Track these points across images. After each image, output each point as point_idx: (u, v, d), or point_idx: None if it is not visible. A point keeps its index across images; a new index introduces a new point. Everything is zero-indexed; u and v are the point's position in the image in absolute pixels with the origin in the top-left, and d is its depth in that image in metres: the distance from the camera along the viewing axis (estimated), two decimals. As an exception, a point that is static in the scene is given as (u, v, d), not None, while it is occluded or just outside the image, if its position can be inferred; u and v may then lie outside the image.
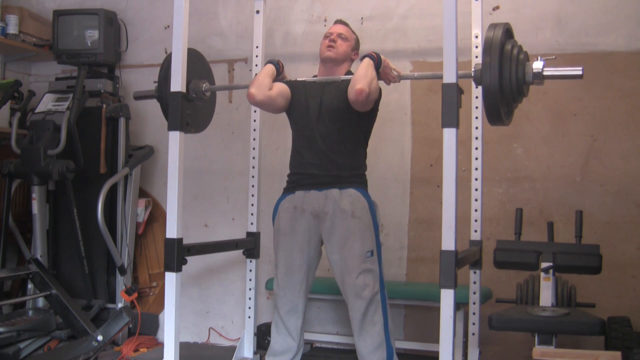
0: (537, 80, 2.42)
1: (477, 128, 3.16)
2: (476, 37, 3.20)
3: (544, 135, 3.47)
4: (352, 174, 2.89)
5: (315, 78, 3.01)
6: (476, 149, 3.16)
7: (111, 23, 4.08)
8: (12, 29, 4.07)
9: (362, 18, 3.83)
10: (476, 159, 3.16)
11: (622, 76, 3.36)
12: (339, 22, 3.07)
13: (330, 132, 2.88)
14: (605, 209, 3.34)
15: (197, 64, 3.15)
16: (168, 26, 4.13)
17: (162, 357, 2.68)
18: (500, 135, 3.52)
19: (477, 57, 3.15)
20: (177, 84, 2.72)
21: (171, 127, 2.73)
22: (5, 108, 3.97)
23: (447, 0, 2.35)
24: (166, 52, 4.15)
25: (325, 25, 3.89)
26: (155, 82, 3.06)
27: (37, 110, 3.84)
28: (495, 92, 2.35)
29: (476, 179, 3.15)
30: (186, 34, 2.72)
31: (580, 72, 2.42)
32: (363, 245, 2.79)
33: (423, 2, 3.71)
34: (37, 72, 4.53)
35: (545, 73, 2.42)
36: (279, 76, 3.00)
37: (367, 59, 2.78)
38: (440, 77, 2.37)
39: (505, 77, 2.36)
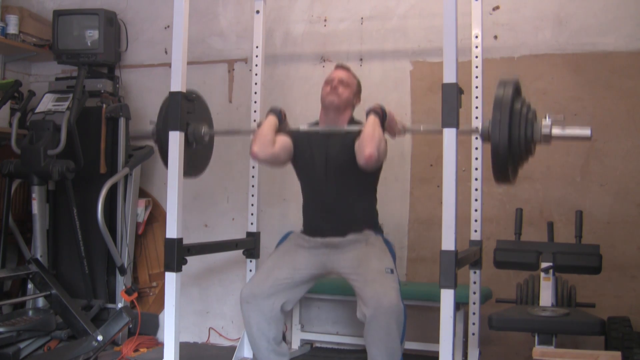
0: (545, 139, 2.40)
1: (477, 128, 3.16)
2: (476, 37, 3.21)
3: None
4: (365, 220, 2.92)
5: (317, 127, 2.97)
6: (476, 149, 3.17)
7: (111, 23, 4.08)
8: (12, 29, 4.06)
9: (362, 18, 3.83)
10: (476, 159, 3.16)
11: (622, 76, 3.36)
12: (339, 67, 3.02)
13: (339, 186, 2.88)
14: (605, 209, 3.34)
15: (197, 106, 3.09)
16: (168, 26, 4.13)
17: (162, 357, 2.68)
18: (500, 135, 3.52)
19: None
20: (177, 84, 2.72)
21: (171, 127, 2.73)
22: (5, 108, 3.97)
23: (447, 0, 2.35)
24: (166, 52, 4.16)
25: (325, 26, 3.90)
26: (151, 122, 3.02)
27: (37, 110, 3.84)
28: (505, 149, 2.33)
29: (476, 179, 3.16)
30: (186, 34, 2.72)
31: (588, 134, 2.43)
32: (381, 262, 2.76)
33: (423, 2, 3.71)
34: (37, 72, 4.53)
35: (554, 133, 2.40)
36: (281, 125, 2.93)
37: (372, 117, 2.72)
38: (440, 132, 2.34)
39: (514, 135, 2.35)
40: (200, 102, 3.18)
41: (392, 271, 2.75)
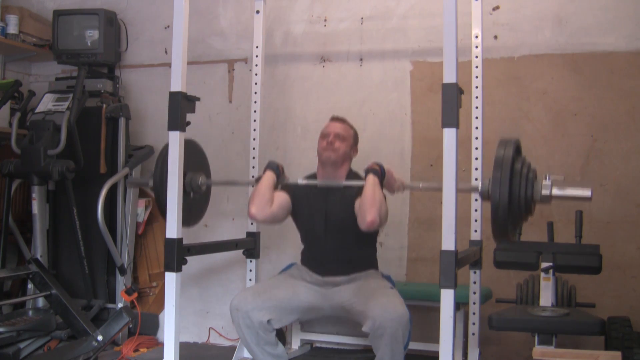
0: (545, 199, 2.41)
1: (477, 128, 3.16)
2: (476, 37, 3.21)
3: (544, 135, 3.47)
4: (366, 265, 2.95)
5: (315, 181, 2.96)
6: (476, 149, 3.17)
7: (111, 23, 4.08)
8: (12, 29, 4.06)
9: (362, 18, 3.83)
10: (476, 159, 3.16)
11: (622, 76, 3.36)
12: (335, 119, 3.00)
13: (339, 242, 2.91)
14: (605, 209, 3.34)
15: (194, 155, 3.10)
16: (168, 26, 4.13)
17: (162, 357, 2.68)
18: (500, 135, 3.50)
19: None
20: (177, 84, 2.72)
21: (171, 127, 2.73)
22: (5, 108, 3.97)
23: (447, 0, 2.35)
24: (166, 52, 4.16)
25: (325, 26, 3.89)
26: (150, 172, 3.03)
27: (37, 110, 3.84)
28: (505, 208, 2.33)
29: (476, 179, 3.16)
30: (186, 34, 2.72)
31: (589, 195, 2.43)
32: (379, 283, 2.82)
33: (423, 2, 3.71)
34: (37, 72, 4.52)
35: (554, 193, 2.41)
36: (279, 179, 2.93)
37: (372, 178, 2.70)
38: (440, 190, 2.35)
39: (514, 194, 2.35)
40: (197, 150, 3.20)
41: (392, 288, 2.82)
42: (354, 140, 3.00)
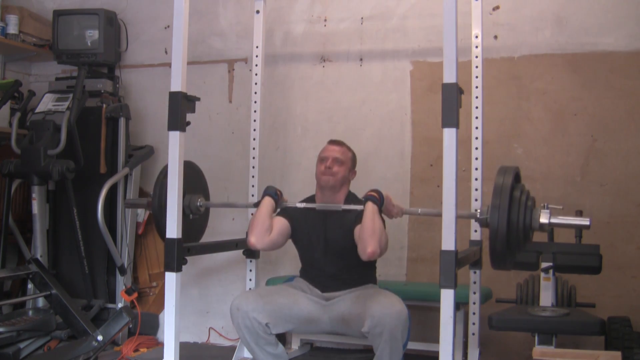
0: (543, 227, 2.41)
1: (477, 128, 3.16)
2: (476, 37, 3.21)
3: (544, 135, 3.47)
4: (365, 281, 2.96)
5: (314, 205, 2.96)
6: (476, 149, 3.17)
7: (111, 23, 4.08)
8: (12, 29, 4.06)
9: (362, 18, 3.83)
10: (476, 159, 3.16)
11: (622, 76, 3.36)
12: (332, 143, 2.99)
13: (338, 265, 2.91)
14: (605, 209, 3.34)
15: (193, 176, 3.10)
16: (168, 26, 4.13)
17: (162, 357, 2.67)
18: (500, 135, 3.53)
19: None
20: (177, 84, 2.72)
21: (171, 127, 2.72)
22: (5, 108, 3.97)
23: (447, 0, 2.35)
24: (166, 52, 4.16)
25: (325, 26, 3.89)
26: (148, 197, 3.03)
27: (37, 110, 3.84)
28: (503, 235, 2.33)
29: (476, 179, 3.15)
30: (186, 34, 2.72)
31: (587, 223, 2.44)
32: (377, 290, 2.84)
33: (423, 2, 3.71)
34: (37, 72, 4.53)
35: (552, 221, 2.41)
36: (277, 204, 2.92)
37: (370, 206, 2.70)
38: (439, 215, 2.35)
39: (513, 221, 2.35)
40: (196, 171, 3.21)
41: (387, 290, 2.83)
42: (352, 163, 2.99)
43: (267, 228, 2.84)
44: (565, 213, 2.50)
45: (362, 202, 2.76)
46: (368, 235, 2.63)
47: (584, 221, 2.45)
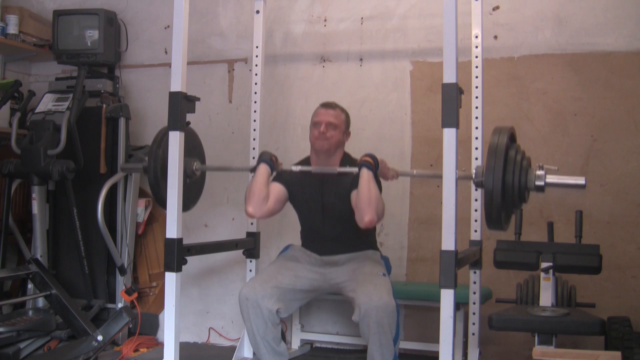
0: (539, 187, 2.40)
1: (477, 128, 3.16)
2: (476, 37, 3.21)
3: (544, 135, 3.47)
4: (364, 245, 2.98)
5: (309, 167, 2.96)
6: (476, 149, 3.16)
7: (111, 23, 4.07)
8: (12, 29, 4.06)
9: (362, 18, 3.83)
10: (476, 158, 3.16)
11: (622, 76, 3.36)
12: (325, 106, 2.97)
13: (337, 229, 2.93)
14: (605, 209, 3.34)
15: (188, 140, 3.06)
16: (168, 26, 4.13)
17: (162, 357, 2.68)
18: (500, 135, 3.52)
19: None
20: (177, 84, 2.72)
21: (171, 127, 2.73)
22: (5, 108, 3.97)
23: (447, 0, 2.35)
24: (166, 52, 4.16)
25: (325, 26, 3.89)
26: (142, 155, 3.02)
27: (37, 110, 3.84)
28: (498, 195, 2.33)
29: (476, 179, 3.15)
30: (186, 34, 2.72)
31: (582, 183, 2.42)
32: (374, 268, 2.83)
33: (423, 2, 3.71)
34: (37, 72, 4.52)
35: (548, 181, 2.40)
36: (273, 170, 2.92)
37: (365, 172, 2.70)
38: (439, 177, 2.34)
39: (508, 181, 2.35)
40: (193, 136, 3.19)
41: (384, 275, 2.82)
42: (346, 126, 2.98)
43: (264, 197, 2.83)
44: (561, 173, 2.48)
45: (358, 166, 2.76)
46: (365, 204, 2.64)
47: (579, 180, 2.43)
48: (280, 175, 2.99)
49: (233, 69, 4.08)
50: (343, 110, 2.99)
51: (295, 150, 3.88)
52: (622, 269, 3.28)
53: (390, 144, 3.73)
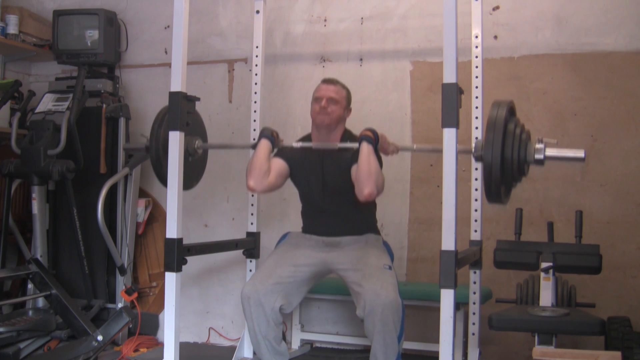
0: (538, 160, 2.40)
1: (477, 128, 3.16)
2: (476, 37, 3.21)
3: (544, 135, 3.46)
4: (365, 226, 2.97)
5: (310, 143, 2.97)
6: (476, 149, 3.16)
7: (111, 23, 4.08)
8: (12, 29, 4.06)
9: (362, 18, 3.83)
10: (476, 159, 3.16)
11: (622, 76, 3.36)
12: (326, 82, 2.98)
13: (337, 204, 2.93)
14: (605, 209, 3.34)
15: (191, 119, 3.05)
16: (168, 26, 4.13)
17: (162, 357, 2.68)
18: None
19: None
20: (177, 84, 2.72)
21: (171, 127, 2.73)
22: (5, 108, 3.97)
23: (447, 0, 2.35)
24: (166, 52, 4.16)
25: (325, 26, 3.89)
26: (142, 135, 3.02)
27: (37, 110, 3.84)
28: (497, 169, 2.33)
29: (476, 179, 3.16)
30: (186, 34, 2.72)
31: (582, 156, 2.42)
32: (379, 260, 2.81)
33: (423, 2, 3.71)
34: (37, 72, 4.52)
35: (547, 154, 2.40)
36: (274, 146, 2.92)
37: (365, 146, 2.70)
38: (440, 151, 2.34)
39: (507, 155, 2.35)
40: (195, 115, 3.17)
41: (390, 267, 2.80)
42: (347, 102, 2.98)
43: (265, 171, 2.83)
44: (560, 147, 2.48)
45: (358, 140, 2.76)
46: (364, 177, 2.65)
47: (579, 153, 2.43)
48: (282, 152, 2.99)
49: (233, 69, 4.08)
50: (344, 87, 3.00)
51: (295, 150, 3.89)
52: (622, 269, 3.28)
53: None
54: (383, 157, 2.85)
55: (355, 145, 2.78)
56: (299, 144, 2.97)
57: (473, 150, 2.56)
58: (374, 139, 2.73)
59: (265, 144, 2.89)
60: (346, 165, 2.82)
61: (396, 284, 2.73)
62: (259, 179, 2.81)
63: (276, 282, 2.82)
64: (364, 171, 2.65)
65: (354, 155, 2.77)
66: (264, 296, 2.77)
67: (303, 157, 2.97)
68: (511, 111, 2.45)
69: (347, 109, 2.99)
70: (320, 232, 2.98)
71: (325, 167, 2.93)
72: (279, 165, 2.93)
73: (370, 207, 3.01)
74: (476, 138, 3.17)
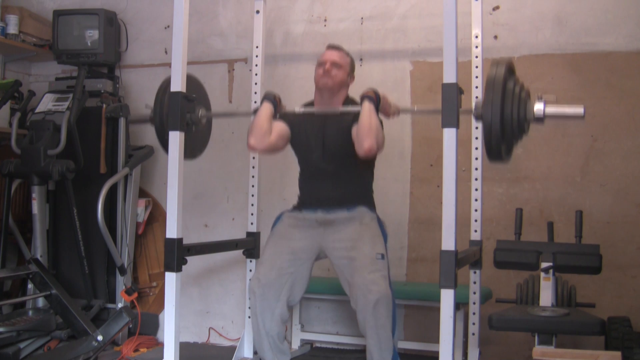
0: (538, 118, 2.40)
1: (477, 128, 3.16)
2: (476, 37, 3.21)
3: (544, 135, 3.47)
4: (360, 196, 2.94)
5: (313, 109, 2.98)
6: (476, 149, 3.17)
7: (111, 23, 4.08)
8: (12, 29, 4.06)
9: (362, 18, 3.83)
10: (476, 159, 3.16)
11: (622, 76, 3.36)
12: (331, 47, 3.00)
13: (336, 167, 2.92)
14: (605, 209, 3.34)
15: (193, 88, 3.08)
16: (168, 26, 4.13)
17: (162, 357, 2.68)
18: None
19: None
20: (177, 84, 2.72)
21: (171, 127, 2.73)
22: (5, 108, 3.97)
23: (447, 0, 2.35)
24: (166, 52, 4.16)
25: (325, 26, 3.89)
26: (146, 105, 3.02)
27: (37, 110, 3.84)
28: (497, 128, 2.33)
29: (476, 179, 3.16)
30: (186, 34, 2.72)
31: (581, 112, 2.42)
32: (373, 248, 2.80)
33: (423, 2, 3.71)
34: (37, 72, 4.53)
35: (547, 112, 2.40)
36: (276, 109, 2.93)
37: (367, 104, 2.72)
38: (438, 112, 2.35)
39: (506, 114, 2.34)
40: (198, 86, 3.18)
41: (382, 257, 2.79)
42: (350, 68, 2.99)
43: (266, 130, 2.83)
44: (559, 103, 2.48)
45: (360, 99, 2.77)
46: (365, 132, 2.66)
47: (578, 109, 2.43)
48: (284, 116, 3.00)
49: (233, 69, 4.08)
50: (348, 54, 3.01)
51: (295, 150, 3.89)
52: (622, 269, 3.28)
53: (390, 144, 3.68)
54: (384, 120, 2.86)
55: (357, 109, 2.78)
56: (302, 110, 2.98)
57: (473, 109, 2.56)
58: (376, 98, 2.74)
59: (267, 107, 2.90)
60: (347, 126, 2.82)
61: (387, 275, 2.75)
62: (259, 137, 2.81)
63: (279, 274, 2.84)
64: (365, 126, 2.67)
65: (356, 117, 2.78)
66: (269, 289, 2.80)
67: (305, 120, 2.98)
68: (510, 70, 2.45)
69: (351, 75, 3.00)
70: (316, 200, 2.95)
71: (326, 129, 2.93)
72: (280, 127, 2.94)
73: (367, 174, 3.01)
74: (476, 138, 3.17)
